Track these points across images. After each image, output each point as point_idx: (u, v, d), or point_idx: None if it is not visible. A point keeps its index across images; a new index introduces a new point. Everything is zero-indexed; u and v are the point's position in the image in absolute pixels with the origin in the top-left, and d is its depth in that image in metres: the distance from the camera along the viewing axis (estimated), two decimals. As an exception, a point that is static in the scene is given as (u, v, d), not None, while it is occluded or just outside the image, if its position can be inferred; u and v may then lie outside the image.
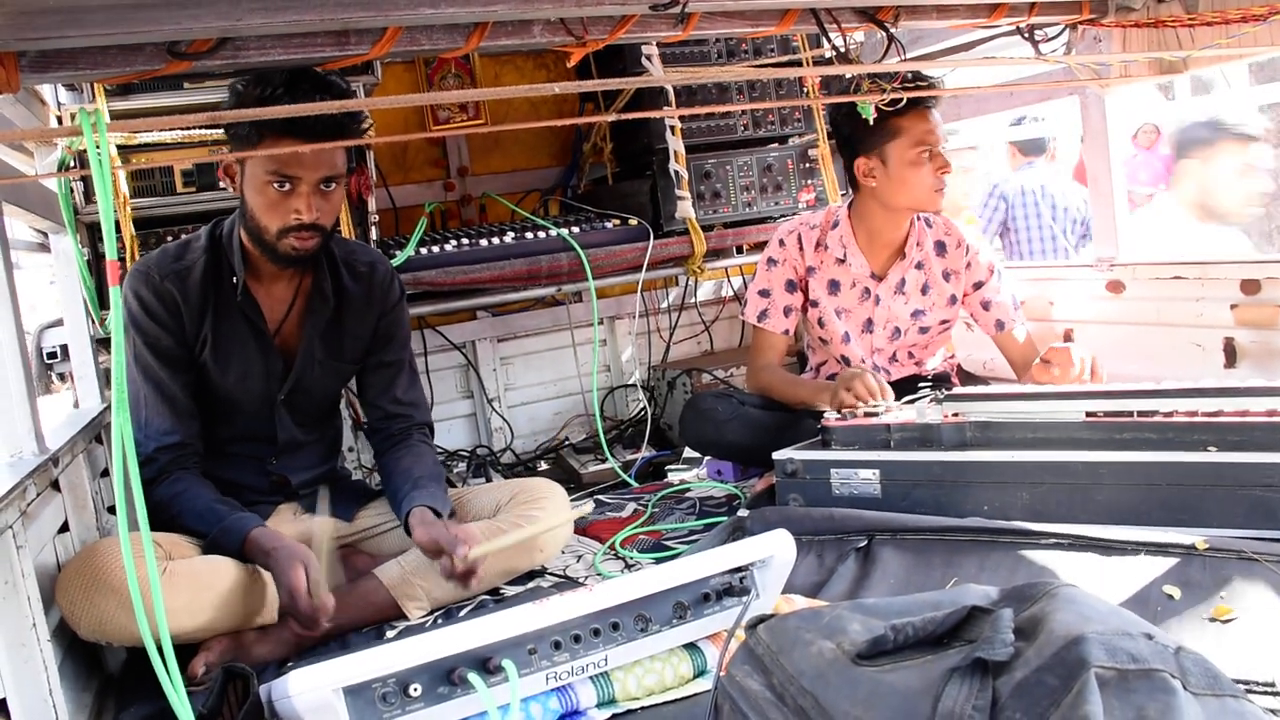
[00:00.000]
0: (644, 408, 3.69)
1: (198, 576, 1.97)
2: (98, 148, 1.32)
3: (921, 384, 2.89)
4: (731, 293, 4.14)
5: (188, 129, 2.69)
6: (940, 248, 2.85)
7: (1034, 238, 4.97)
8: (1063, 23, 2.43)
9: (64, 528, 2.04)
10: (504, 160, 4.01)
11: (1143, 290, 2.95)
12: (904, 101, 2.42)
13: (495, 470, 3.55)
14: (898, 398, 2.47)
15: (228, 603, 1.99)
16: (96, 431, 2.46)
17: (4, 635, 1.59)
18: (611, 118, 2.36)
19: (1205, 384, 2.14)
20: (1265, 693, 1.39)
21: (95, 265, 2.72)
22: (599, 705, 1.63)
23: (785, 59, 3.45)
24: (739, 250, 3.65)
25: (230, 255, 2.21)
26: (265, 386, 2.28)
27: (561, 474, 3.42)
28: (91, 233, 2.74)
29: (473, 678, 1.46)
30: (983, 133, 5.16)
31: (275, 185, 2.06)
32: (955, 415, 2.19)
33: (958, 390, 2.52)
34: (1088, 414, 2.06)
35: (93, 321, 2.73)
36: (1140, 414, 2.01)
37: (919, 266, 2.84)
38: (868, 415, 2.33)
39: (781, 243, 2.89)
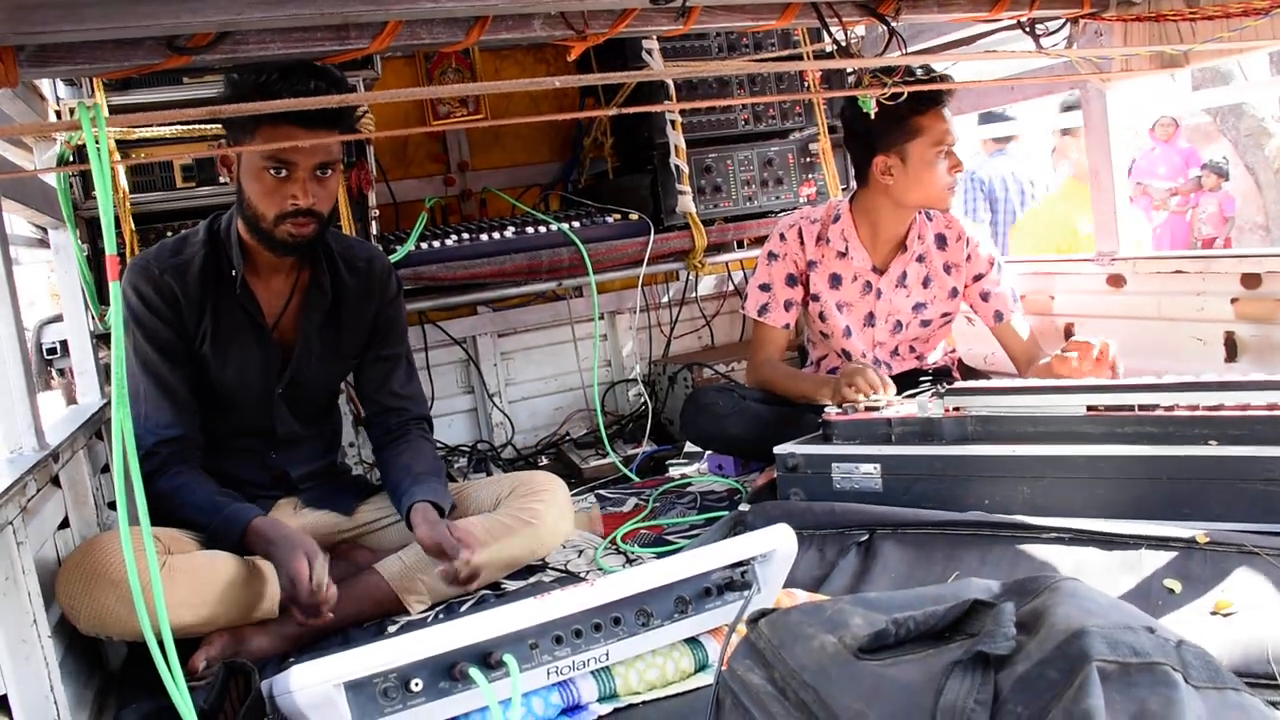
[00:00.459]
0: (645, 402, 3.69)
1: (198, 571, 1.97)
2: (97, 142, 1.32)
3: (923, 378, 2.89)
4: (732, 287, 4.14)
5: (187, 124, 2.68)
6: (941, 241, 2.85)
7: (1008, 221, 5.16)
8: (1064, 17, 2.42)
9: (64, 523, 2.04)
10: (504, 155, 4.01)
11: (1143, 284, 2.95)
12: (905, 96, 2.41)
13: (496, 465, 3.55)
14: (899, 392, 2.47)
15: (228, 597, 1.99)
16: (97, 427, 2.46)
17: (5, 631, 1.59)
18: (612, 112, 2.36)
19: (1206, 378, 2.14)
20: (1266, 686, 1.39)
21: (95, 261, 2.71)
22: (600, 700, 1.63)
23: (786, 53, 3.45)
24: (740, 245, 3.64)
25: (229, 248, 2.21)
26: (263, 380, 2.28)
27: (562, 469, 3.42)
28: (91, 228, 2.74)
29: (474, 672, 1.46)
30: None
31: (271, 171, 2.06)
32: (956, 409, 2.19)
33: (959, 384, 2.52)
34: (1089, 408, 2.06)
35: (92, 317, 2.72)
36: (1141, 408, 2.01)
37: (920, 260, 2.84)
38: (869, 410, 2.33)
39: (782, 237, 2.89)
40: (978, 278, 2.85)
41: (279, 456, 2.37)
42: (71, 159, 2.65)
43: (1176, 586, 1.65)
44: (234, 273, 2.20)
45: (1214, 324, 2.71)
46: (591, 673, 1.63)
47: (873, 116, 2.49)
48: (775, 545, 1.72)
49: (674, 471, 3.19)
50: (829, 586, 1.93)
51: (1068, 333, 3.21)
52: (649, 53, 3.29)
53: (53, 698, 1.64)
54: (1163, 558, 1.72)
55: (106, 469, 2.47)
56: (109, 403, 2.53)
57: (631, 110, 2.89)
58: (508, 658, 1.50)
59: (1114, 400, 2.06)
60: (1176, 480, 1.85)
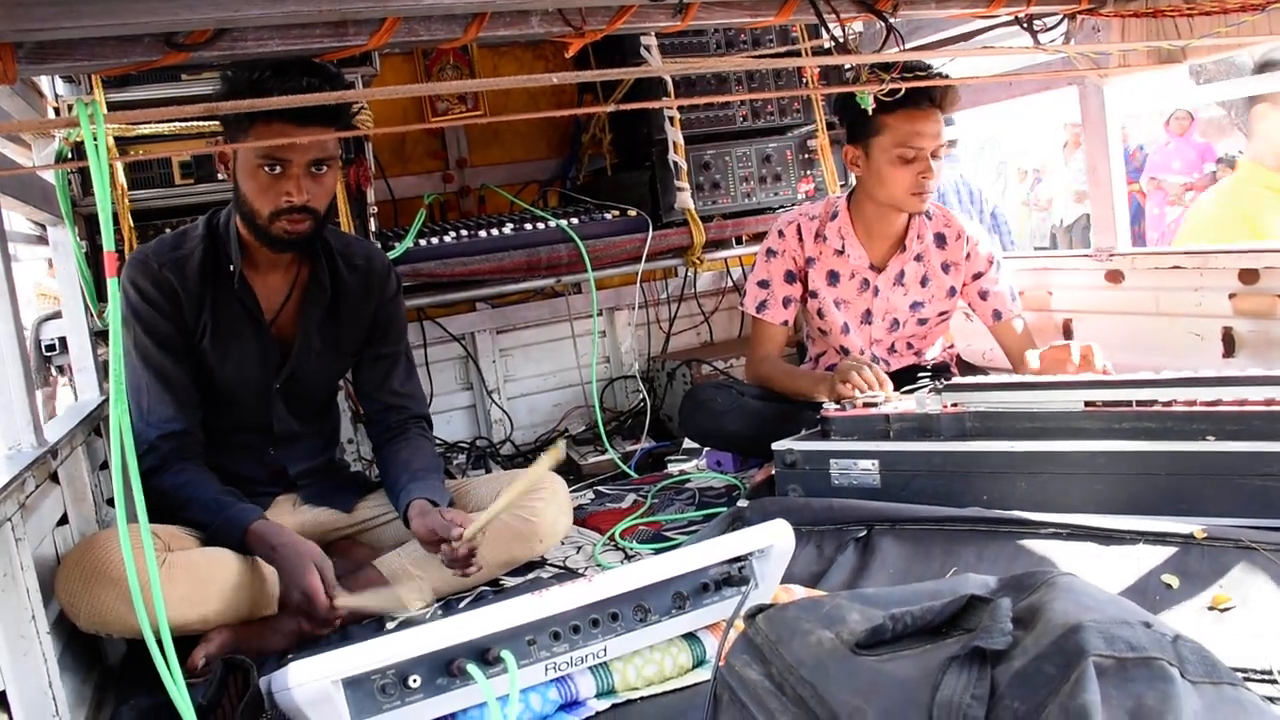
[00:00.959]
0: (643, 399, 3.69)
1: (197, 568, 1.98)
2: (95, 139, 1.32)
3: (920, 374, 2.89)
4: (731, 284, 4.14)
5: (185, 120, 2.68)
6: (940, 239, 2.85)
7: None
8: (1061, 12, 2.42)
9: (63, 520, 2.04)
10: (503, 152, 4.00)
11: (1141, 280, 2.95)
12: (903, 92, 2.41)
13: (495, 462, 3.55)
14: (897, 388, 2.48)
15: (227, 595, 1.99)
16: (95, 424, 2.46)
17: (3, 627, 1.59)
18: (610, 108, 2.36)
19: (1204, 373, 2.14)
20: (1263, 681, 1.39)
21: (93, 257, 2.71)
22: (598, 695, 1.63)
23: (784, 49, 3.45)
24: (738, 241, 3.65)
25: (227, 244, 2.21)
26: (262, 375, 2.28)
27: (561, 465, 3.41)
28: (89, 225, 2.73)
29: (472, 669, 1.46)
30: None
31: (266, 168, 2.06)
32: (954, 405, 2.19)
33: (957, 380, 2.52)
34: (1087, 404, 2.06)
35: (91, 314, 2.72)
36: (1139, 403, 2.01)
37: (918, 259, 2.84)
38: (867, 406, 2.33)
39: (780, 234, 2.89)
40: (976, 276, 2.85)
41: (277, 453, 2.37)
42: (70, 156, 2.65)
43: (1174, 582, 1.65)
44: (233, 268, 2.20)
45: (1212, 319, 2.72)
46: (589, 669, 1.63)
47: (864, 113, 2.50)
48: (773, 541, 1.72)
49: (672, 468, 3.19)
50: (827, 582, 1.93)
51: (1066, 329, 3.21)
52: (647, 49, 3.28)
53: (51, 694, 1.64)
54: (1160, 553, 1.72)
55: (105, 465, 2.47)
56: (108, 399, 2.53)
57: (630, 107, 2.88)
58: (506, 654, 1.50)
59: (1112, 396, 2.06)
60: (1174, 476, 1.86)
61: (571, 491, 2.62)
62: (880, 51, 2.26)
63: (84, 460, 2.25)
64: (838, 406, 2.36)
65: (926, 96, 2.58)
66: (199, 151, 2.79)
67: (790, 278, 2.88)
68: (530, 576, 2.32)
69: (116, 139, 2.67)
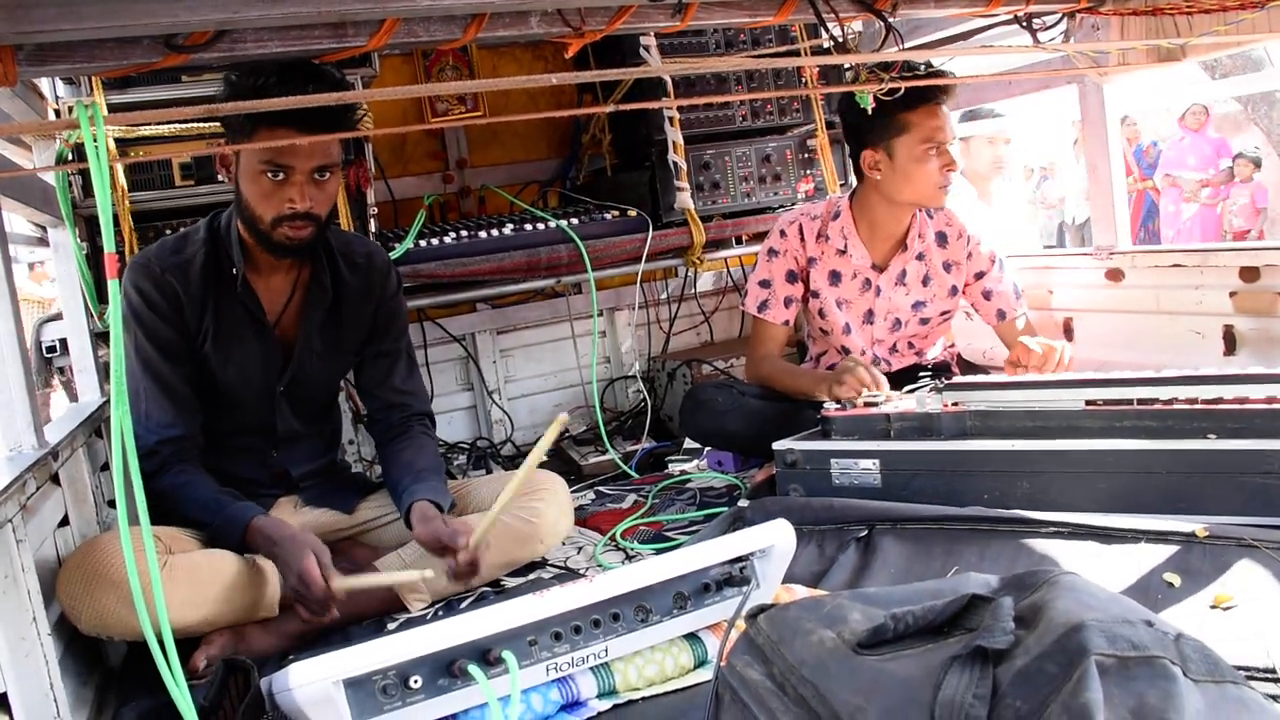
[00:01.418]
0: (644, 399, 3.69)
1: (198, 570, 1.98)
2: (95, 141, 1.32)
3: (922, 373, 2.89)
4: (731, 283, 4.14)
5: (185, 122, 2.68)
6: (941, 239, 2.85)
7: None
8: (1061, 11, 2.42)
9: (64, 522, 2.04)
10: (503, 152, 4.00)
11: (1142, 278, 2.95)
12: (902, 91, 2.41)
13: (495, 462, 3.55)
14: (898, 387, 2.48)
15: (228, 596, 1.99)
16: (96, 425, 2.46)
17: (4, 629, 1.59)
18: (610, 109, 2.36)
19: (1205, 371, 2.14)
20: (1265, 679, 1.39)
21: (94, 259, 2.71)
22: (600, 696, 1.63)
23: (783, 49, 3.45)
24: (738, 241, 3.64)
25: (229, 247, 2.21)
26: (265, 378, 2.28)
27: (562, 465, 3.42)
28: (90, 226, 2.73)
29: (473, 669, 1.46)
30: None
31: (269, 174, 2.06)
32: (955, 404, 2.19)
33: (957, 379, 2.52)
34: (1087, 402, 2.06)
35: (92, 316, 2.72)
36: (1140, 402, 2.01)
37: (920, 258, 2.84)
38: (867, 405, 2.33)
39: (782, 233, 2.89)
40: (979, 275, 2.85)
41: (279, 455, 2.37)
42: (70, 157, 2.65)
43: (1176, 580, 1.65)
44: (235, 271, 2.20)
45: (1213, 317, 2.72)
46: (591, 669, 1.63)
47: (880, 115, 2.49)
48: (774, 541, 1.72)
49: (673, 468, 3.19)
50: (828, 582, 1.93)
51: (1067, 327, 3.21)
52: (646, 49, 3.28)
53: (52, 695, 1.64)
54: (1162, 552, 1.72)
55: (106, 467, 2.47)
56: (109, 401, 2.53)
57: (629, 107, 2.88)
58: (507, 654, 1.50)
59: (1113, 394, 2.06)
60: (1175, 474, 1.86)
61: (572, 492, 2.62)
62: (879, 51, 2.26)
63: (85, 462, 2.25)
64: (838, 406, 2.36)
65: (939, 91, 2.58)
66: (199, 153, 2.80)
67: (792, 277, 2.87)
68: (531, 577, 2.32)
69: (117, 140, 2.68)
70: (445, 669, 1.49)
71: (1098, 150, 3.08)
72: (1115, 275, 3.02)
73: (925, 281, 2.85)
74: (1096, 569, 1.71)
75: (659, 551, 2.37)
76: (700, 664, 1.71)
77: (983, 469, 2.05)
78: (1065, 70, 2.87)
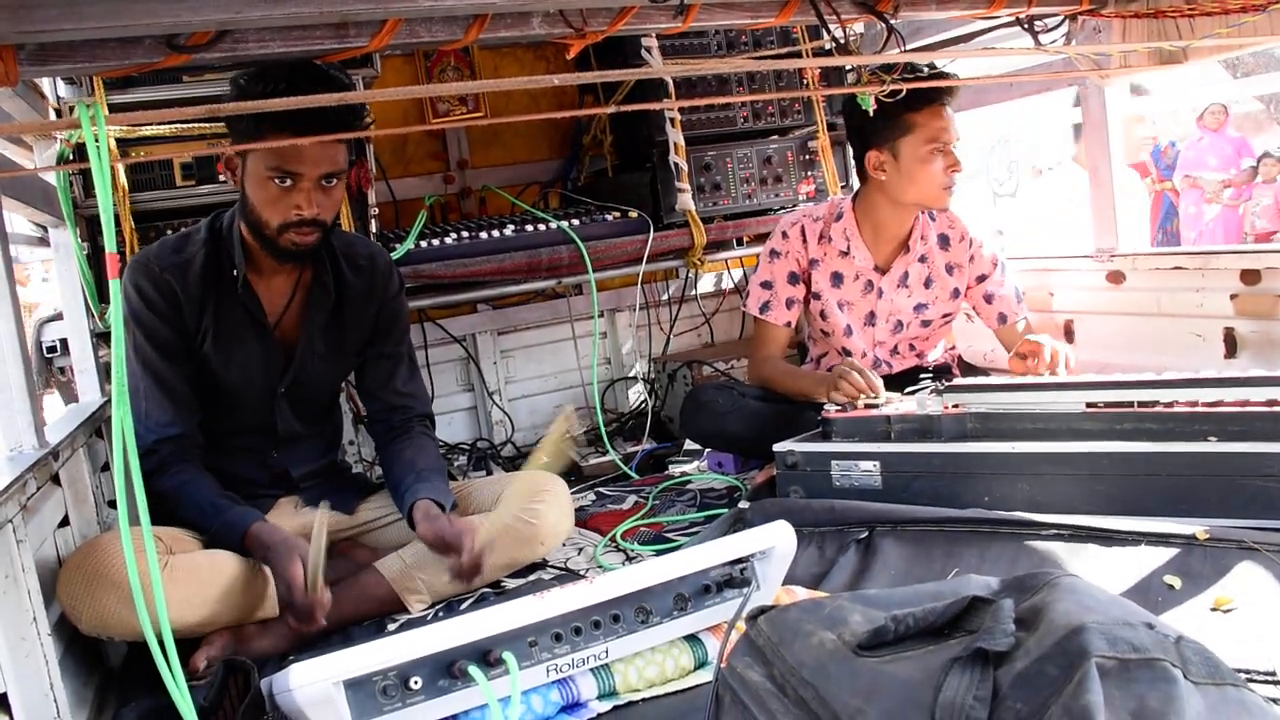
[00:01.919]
0: (644, 400, 3.69)
1: (199, 570, 1.98)
2: (96, 141, 1.32)
3: (923, 375, 2.89)
4: (732, 285, 4.14)
5: (187, 122, 2.69)
6: (944, 241, 2.85)
7: None
8: (1062, 13, 2.42)
9: (64, 522, 2.04)
10: (504, 153, 4.00)
11: (1143, 281, 2.95)
12: (904, 93, 2.41)
13: (496, 463, 3.55)
14: (899, 389, 2.47)
15: (229, 597, 1.99)
16: (97, 425, 2.46)
17: (5, 630, 1.59)
18: (611, 110, 2.35)
19: (1205, 374, 2.14)
20: (1266, 682, 1.39)
21: (95, 259, 2.71)
22: (600, 697, 1.63)
23: (785, 50, 3.45)
24: (739, 242, 3.64)
25: (230, 248, 2.21)
26: (265, 379, 2.28)
27: (563, 465, 3.41)
28: (91, 226, 2.74)
29: (473, 670, 1.46)
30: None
31: (276, 181, 2.06)
32: (955, 407, 2.19)
33: (958, 382, 2.52)
34: (1088, 405, 2.06)
35: (92, 315, 2.72)
36: (1141, 404, 2.01)
37: (922, 260, 2.84)
38: (868, 407, 2.33)
39: (784, 235, 2.89)
40: (981, 279, 2.85)
41: (280, 455, 2.37)
42: (71, 157, 2.65)
43: (1176, 583, 1.65)
44: (236, 272, 2.20)
45: (1213, 320, 2.72)
46: (591, 670, 1.63)
47: (885, 116, 2.49)
48: (774, 542, 1.72)
49: (674, 469, 3.19)
50: (828, 584, 1.93)
51: (1067, 330, 3.21)
52: (648, 50, 3.28)
53: (53, 696, 1.64)
54: (1162, 554, 1.72)
55: (106, 467, 2.47)
56: (109, 401, 2.53)
57: (631, 108, 2.88)
58: (507, 655, 1.50)
59: (1113, 397, 2.06)
60: (1176, 477, 1.86)
61: (573, 493, 2.62)
62: (881, 53, 2.26)
63: (85, 462, 2.25)
64: (839, 408, 2.36)
65: (943, 92, 2.59)
66: (200, 153, 2.80)
67: (793, 279, 2.87)
68: (532, 578, 2.32)
69: (118, 140, 2.68)
70: (445, 670, 1.49)
71: (1099, 152, 3.08)
72: (1116, 278, 3.02)
73: (928, 284, 2.85)
74: (1097, 571, 1.72)
75: (659, 553, 2.37)
76: (700, 665, 1.71)
77: (983, 471, 2.05)
78: (1067, 73, 2.87)
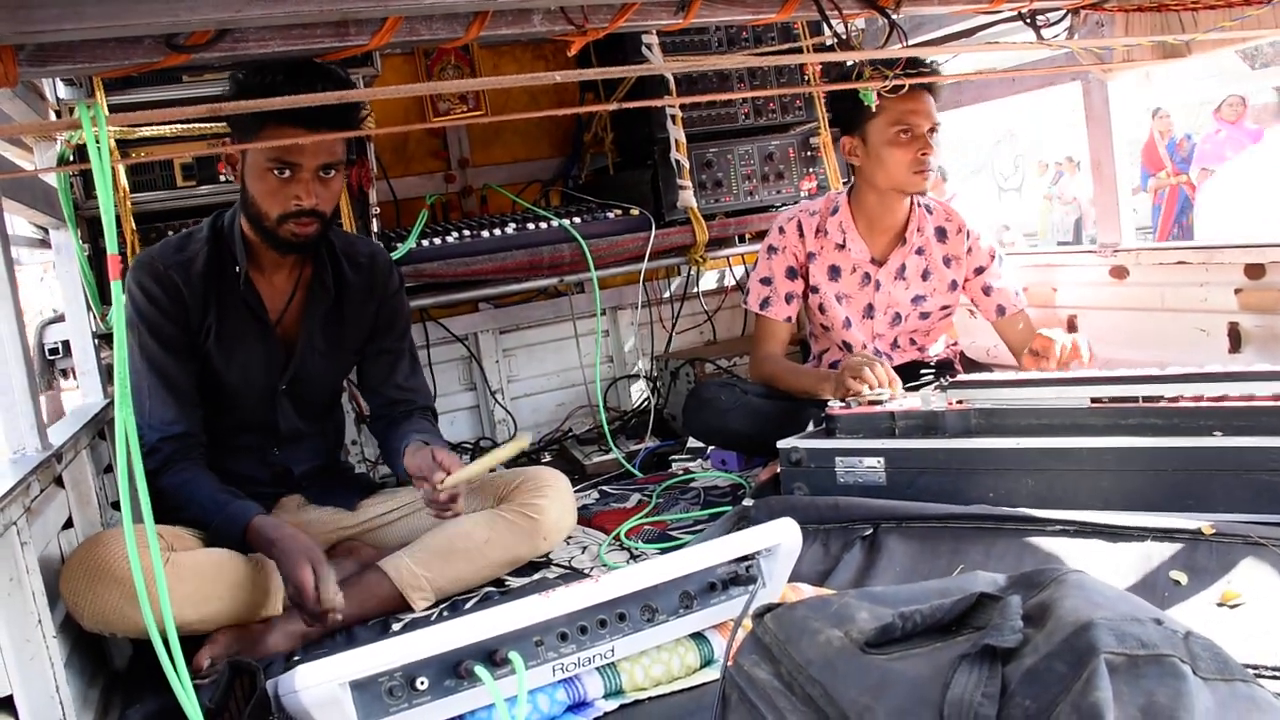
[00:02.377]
0: (647, 398, 3.68)
1: (202, 568, 1.98)
2: (97, 142, 1.32)
3: (925, 371, 2.88)
4: (734, 282, 4.13)
5: (187, 122, 2.68)
6: (941, 233, 2.85)
7: None
8: (1064, 7, 2.41)
9: (68, 523, 2.04)
10: (505, 151, 4.00)
11: (1146, 276, 2.94)
12: (907, 88, 2.41)
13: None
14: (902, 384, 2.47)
15: (232, 594, 1.99)
16: (100, 427, 2.46)
17: (9, 631, 1.59)
18: (612, 107, 2.35)
19: (1210, 369, 2.14)
20: (1275, 677, 1.39)
21: (96, 260, 2.71)
22: (606, 696, 1.63)
23: (786, 46, 3.44)
24: (741, 239, 3.64)
25: (232, 245, 2.21)
26: (267, 376, 2.29)
27: (565, 465, 3.41)
28: (92, 227, 2.74)
29: (479, 670, 1.46)
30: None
31: (275, 172, 2.07)
32: (960, 402, 2.19)
33: (962, 377, 2.52)
34: (1093, 400, 2.05)
35: (94, 317, 2.72)
36: (1145, 399, 2.00)
37: (919, 252, 2.84)
38: (872, 403, 2.33)
39: (781, 230, 2.89)
40: (979, 271, 2.85)
41: (281, 453, 2.37)
42: (72, 158, 2.64)
43: (1183, 578, 1.65)
44: (238, 270, 2.20)
45: (1218, 315, 2.71)
46: (597, 669, 1.63)
47: (856, 102, 2.50)
48: (780, 540, 1.71)
49: (677, 467, 3.19)
50: (834, 581, 1.93)
51: (1071, 325, 3.20)
52: (649, 47, 3.28)
53: (58, 697, 1.64)
54: (1169, 549, 1.72)
55: (110, 469, 2.47)
56: (112, 402, 2.53)
57: (632, 105, 2.88)
58: (513, 655, 1.49)
59: (1118, 392, 2.05)
60: (1181, 472, 1.85)
61: (576, 491, 2.62)
62: (883, 48, 2.25)
63: (89, 464, 2.25)
64: (843, 404, 2.36)
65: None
66: (201, 153, 2.80)
67: (792, 274, 2.87)
68: (536, 577, 2.32)
69: (118, 141, 2.67)
70: (451, 670, 1.48)
71: (1102, 146, 3.07)
72: (1120, 273, 3.02)
73: (925, 276, 2.85)
74: (1103, 567, 1.71)
75: (664, 551, 2.37)
76: (707, 663, 1.71)
77: (988, 467, 2.04)
78: (1069, 67, 2.87)
